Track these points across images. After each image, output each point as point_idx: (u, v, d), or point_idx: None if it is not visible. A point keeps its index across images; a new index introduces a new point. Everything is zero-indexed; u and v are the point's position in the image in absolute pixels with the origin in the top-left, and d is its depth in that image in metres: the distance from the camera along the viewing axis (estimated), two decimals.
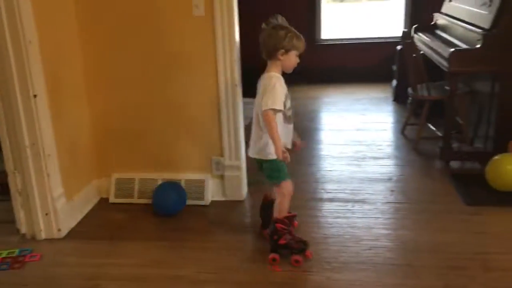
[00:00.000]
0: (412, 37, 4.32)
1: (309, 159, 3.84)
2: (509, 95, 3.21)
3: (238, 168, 3.12)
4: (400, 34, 4.25)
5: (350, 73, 5.98)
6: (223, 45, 2.88)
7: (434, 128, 4.01)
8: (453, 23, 3.87)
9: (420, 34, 4.31)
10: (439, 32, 4.18)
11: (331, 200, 3.13)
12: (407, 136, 4.16)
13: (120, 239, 2.77)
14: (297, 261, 2.44)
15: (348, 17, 9.65)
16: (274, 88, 2.35)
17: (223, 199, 3.17)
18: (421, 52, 4.02)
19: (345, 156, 3.83)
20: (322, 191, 3.29)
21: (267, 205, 2.64)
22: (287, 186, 2.51)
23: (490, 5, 3.28)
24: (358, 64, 5.98)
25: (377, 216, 2.90)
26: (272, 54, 2.40)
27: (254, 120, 2.51)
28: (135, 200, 3.19)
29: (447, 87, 3.51)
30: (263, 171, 2.54)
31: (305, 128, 4.57)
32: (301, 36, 2.43)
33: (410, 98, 4.40)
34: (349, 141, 4.16)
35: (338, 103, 5.38)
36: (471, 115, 3.76)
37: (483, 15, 3.33)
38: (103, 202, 3.23)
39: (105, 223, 2.99)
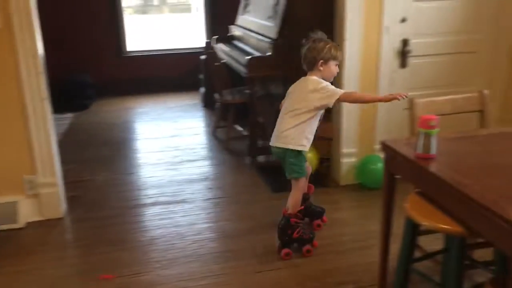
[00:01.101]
0: (214, 48, 4.69)
1: (129, 169, 3.90)
2: None
3: (54, 184, 3.03)
4: (203, 45, 4.58)
5: (160, 83, 6.18)
6: (26, 57, 2.79)
7: (241, 129, 4.43)
8: (247, 34, 4.35)
9: (221, 44, 4.71)
10: (236, 42, 4.63)
11: (153, 204, 3.26)
12: (218, 138, 4.52)
13: None
14: (308, 251, 2.61)
15: (152, 28, 9.82)
16: (324, 86, 2.50)
17: (40, 218, 3.04)
18: (223, 60, 4.41)
19: (162, 162, 3.99)
20: (145, 197, 3.39)
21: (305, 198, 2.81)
22: (304, 182, 2.68)
23: (274, 18, 3.80)
24: (167, 74, 6.20)
25: (199, 213, 3.13)
26: (313, 65, 2.53)
27: (286, 111, 2.61)
28: None
29: (247, 91, 3.94)
30: (285, 165, 2.64)
31: (120, 139, 4.61)
32: (339, 47, 2.60)
33: (217, 103, 4.76)
34: (165, 147, 4.34)
35: (151, 112, 5.52)
36: (270, 115, 4.27)
37: (270, 27, 3.83)
38: None
39: None
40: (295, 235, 2.62)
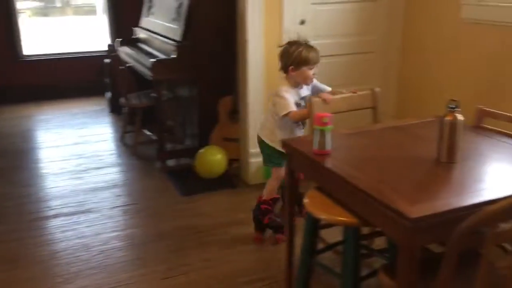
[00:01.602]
0: (117, 50, 4.55)
1: (29, 180, 3.67)
2: (204, 97, 3.74)
3: None
4: (106, 48, 4.42)
5: (63, 89, 5.88)
6: None
7: (149, 133, 4.33)
8: (152, 36, 4.26)
9: (125, 47, 4.58)
10: (141, 45, 4.52)
11: (56, 216, 3.09)
12: (126, 143, 4.38)
13: None
14: (280, 239, 2.66)
15: (54, 31, 9.32)
16: (282, 98, 2.49)
17: None
18: (128, 64, 4.29)
19: (66, 171, 3.79)
20: (46, 209, 3.20)
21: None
22: (282, 171, 2.61)
23: (178, 20, 3.77)
24: (70, 79, 5.91)
25: (105, 222, 3.01)
26: (285, 70, 2.53)
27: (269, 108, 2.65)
28: None
29: (154, 95, 3.87)
30: (263, 154, 2.69)
31: (18, 149, 4.32)
32: (313, 49, 2.51)
33: (124, 108, 4.62)
34: (68, 156, 4.13)
35: (53, 119, 5.23)
36: (178, 118, 4.22)
37: (174, 29, 3.79)
38: None
39: None
40: (266, 221, 2.70)
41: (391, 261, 1.86)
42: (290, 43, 2.53)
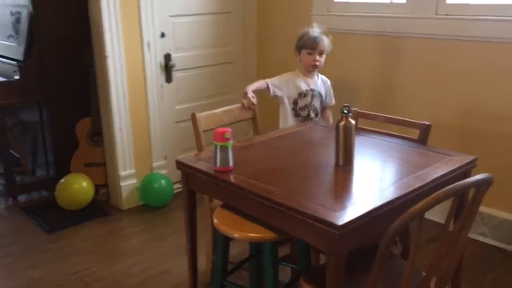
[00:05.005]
0: None
1: None
2: (57, 120, 3.38)
3: None
4: None
5: None
6: None
7: None
8: None
9: None
10: None
11: None
12: None
13: None
14: None
15: None
16: (281, 76, 2.60)
17: None
18: None
19: None
20: None
21: None
22: None
23: (17, 38, 3.33)
24: None
25: None
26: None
27: None
28: None
29: None
30: None
31: None
32: (317, 35, 2.52)
33: None
34: None
35: None
36: (26, 146, 3.74)
37: (13, 47, 3.34)
38: None
39: None
40: None
41: (308, 268, 1.89)
42: (305, 30, 2.59)
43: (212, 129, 2.06)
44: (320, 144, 2.15)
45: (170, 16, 3.28)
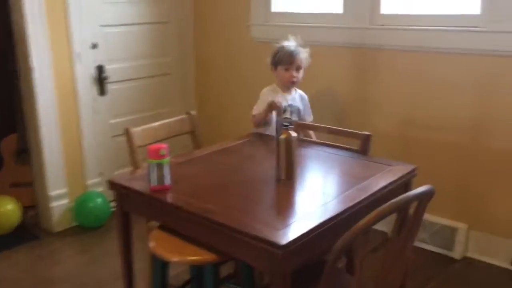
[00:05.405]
0: None
1: None
2: None
3: None
4: None
5: None
6: None
7: None
8: None
9: None
10: None
11: None
12: None
13: None
14: None
15: None
16: (262, 97, 2.47)
17: None
18: None
19: None
20: None
21: None
22: None
23: None
24: None
25: None
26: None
27: None
28: None
29: None
30: None
31: None
32: (293, 50, 2.41)
33: None
34: None
35: None
36: None
37: None
38: None
39: None
40: None
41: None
42: (281, 44, 2.48)
43: (148, 144, 1.95)
44: (262, 158, 2.08)
45: (102, 25, 3.11)
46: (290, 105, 2.51)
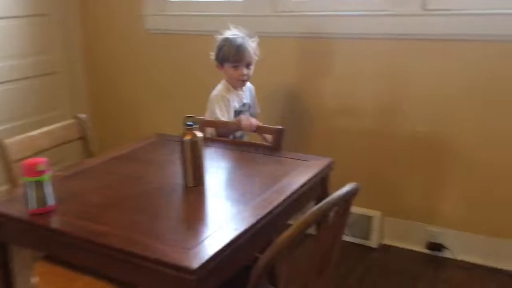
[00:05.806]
0: None
1: None
2: None
3: None
4: None
5: None
6: None
7: None
8: None
9: None
10: None
11: None
12: None
13: None
14: None
15: None
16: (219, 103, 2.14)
17: None
18: None
19: None
20: None
21: None
22: None
23: None
24: None
25: None
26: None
27: None
28: None
29: None
30: None
31: None
32: (235, 43, 2.10)
33: None
34: None
35: None
36: None
37: None
38: None
39: None
40: None
41: None
42: (225, 37, 2.17)
43: (29, 157, 1.63)
44: (166, 163, 1.83)
45: None
46: (244, 104, 2.26)
